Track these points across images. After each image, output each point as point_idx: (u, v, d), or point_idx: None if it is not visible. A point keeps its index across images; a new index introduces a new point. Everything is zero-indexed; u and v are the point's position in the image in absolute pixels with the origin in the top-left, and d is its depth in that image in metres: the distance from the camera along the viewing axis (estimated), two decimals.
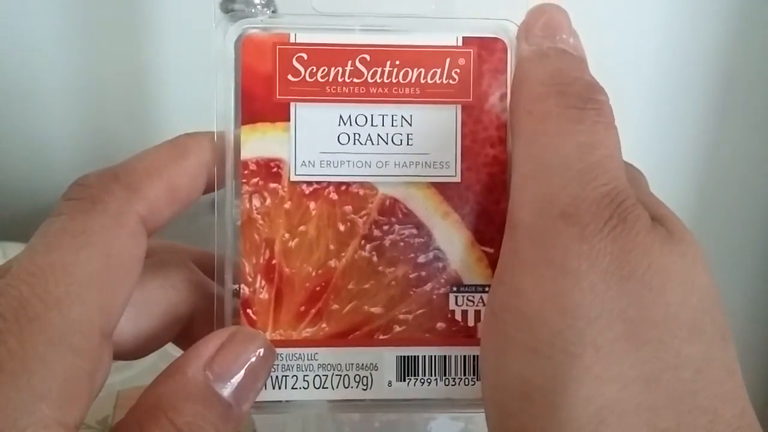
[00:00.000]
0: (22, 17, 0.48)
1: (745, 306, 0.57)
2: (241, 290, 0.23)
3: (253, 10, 0.23)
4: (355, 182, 0.23)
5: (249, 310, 0.23)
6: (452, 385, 0.23)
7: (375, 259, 0.23)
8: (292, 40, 0.23)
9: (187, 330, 0.24)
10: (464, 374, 0.23)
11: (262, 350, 0.22)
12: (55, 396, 0.18)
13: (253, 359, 0.22)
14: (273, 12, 0.23)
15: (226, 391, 0.21)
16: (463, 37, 0.23)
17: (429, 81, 0.23)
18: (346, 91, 0.23)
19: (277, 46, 0.23)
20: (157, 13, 0.49)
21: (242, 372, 0.21)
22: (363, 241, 0.23)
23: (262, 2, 0.23)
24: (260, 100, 0.23)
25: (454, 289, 0.23)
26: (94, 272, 0.20)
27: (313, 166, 0.23)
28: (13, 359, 0.18)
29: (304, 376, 0.23)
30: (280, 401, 0.23)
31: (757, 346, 0.56)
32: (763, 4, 0.50)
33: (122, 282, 0.21)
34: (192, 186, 0.23)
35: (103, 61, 0.50)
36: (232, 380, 0.21)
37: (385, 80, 0.23)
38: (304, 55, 0.23)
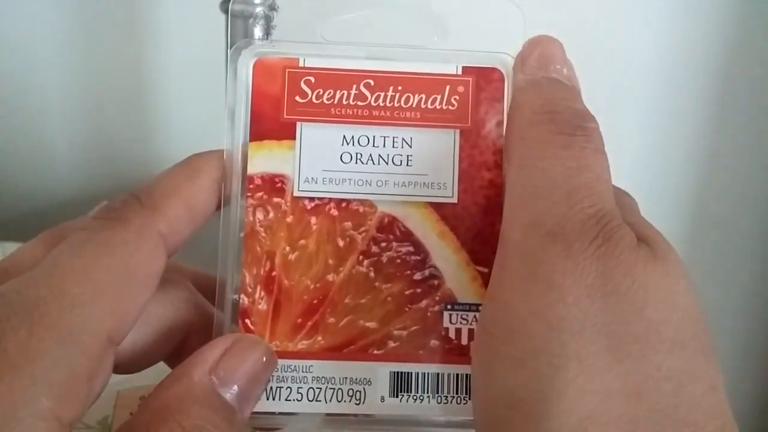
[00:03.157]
0: (23, 19, 0.49)
1: (745, 307, 0.56)
2: (241, 300, 0.24)
3: (254, 15, 0.24)
4: (355, 199, 0.24)
5: (247, 320, 0.24)
6: (444, 403, 0.24)
7: (372, 274, 0.24)
8: (301, 64, 0.24)
9: (181, 349, 0.24)
10: (457, 392, 0.24)
11: (265, 357, 0.23)
12: (55, 389, 0.19)
13: (257, 365, 0.22)
14: (272, 9, 0.24)
15: (230, 395, 0.21)
16: (463, 67, 0.24)
17: (429, 106, 0.24)
18: (350, 113, 0.24)
19: (287, 70, 0.24)
20: (159, 15, 0.50)
21: (245, 377, 0.22)
22: (361, 257, 0.24)
23: (263, 1, 0.25)
24: (268, 119, 0.24)
25: (449, 307, 0.24)
26: (112, 279, 0.20)
27: (316, 183, 0.24)
28: (20, 351, 0.18)
29: (298, 388, 0.24)
30: (274, 413, 0.23)
31: (757, 347, 0.55)
32: (763, 4, 0.51)
33: (137, 293, 0.21)
34: (207, 203, 0.24)
35: (103, 63, 0.51)
36: (236, 385, 0.22)
37: (388, 104, 0.24)
38: (312, 79, 0.24)
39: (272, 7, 0.29)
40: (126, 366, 0.23)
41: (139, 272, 0.21)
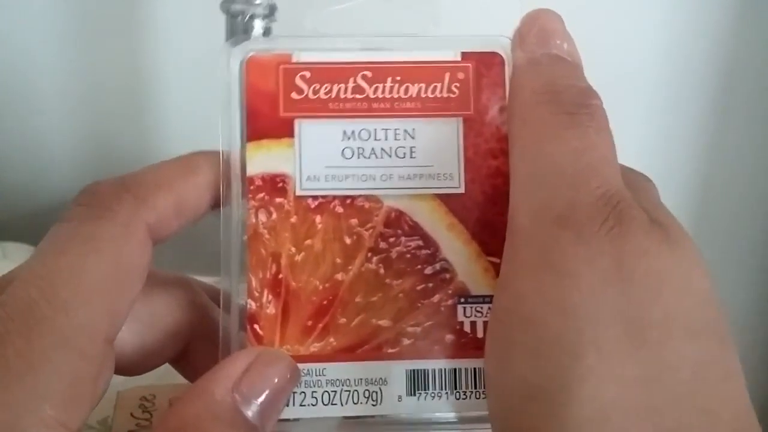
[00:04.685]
0: (23, 19, 0.49)
1: (747, 305, 0.56)
2: (248, 305, 0.23)
3: (253, 15, 0.23)
4: (360, 195, 0.23)
5: (256, 326, 0.23)
6: (463, 399, 0.23)
7: (382, 271, 0.23)
8: (294, 60, 0.24)
9: (185, 351, 0.24)
10: (474, 387, 0.23)
11: (288, 372, 0.22)
12: (59, 397, 0.18)
13: (280, 381, 0.22)
14: (272, 12, 0.24)
15: (252, 412, 0.21)
16: (462, 52, 0.24)
17: (430, 95, 0.24)
18: (349, 106, 0.24)
19: (281, 66, 0.23)
20: (157, 16, 0.49)
21: (268, 393, 0.21)
22: (369, 254, 0.23)
23: (263, 1, 0.24)
24: (265, 117, 0.23)
25: (462, 300, 0.23)
26: (102, 278, 0.20)
27: (318, 181, 0.23)
28: (20, 359, 0.18)
29: (313, 392, 0.23)
30: (289, 420, 0.23)
31: (759, 347, 0.55)
32: (763, 4, 0.51)
33: (128, 288, 0.21)
34: (199, 201, 0.23)
35: (102, 63, 0.50)
36: (258, 401, 0.21)
37: (387, 95, 0.24)
38: (307, 74, 0.23)
39: (272, 8, 0.28)
40: (133, 368, 0.23)
41: (128, 268, 0.21)
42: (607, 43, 0.49)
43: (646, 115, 0.53)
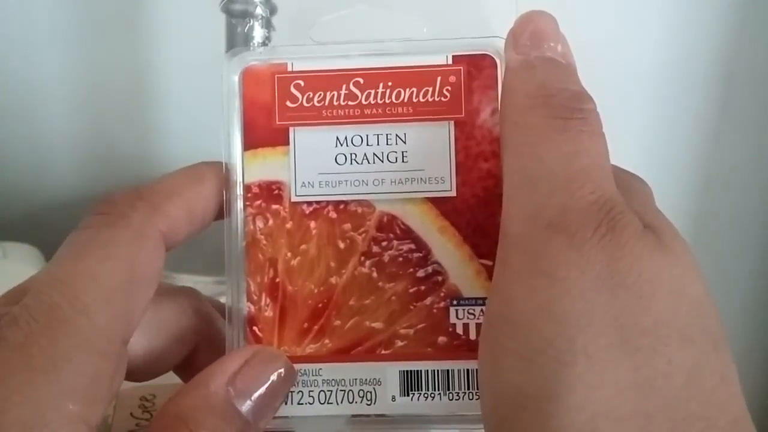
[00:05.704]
0: (23, 19, 0.50)
1: (747, 305, 0.54)
2: (247, 308, 0.24)
3: (254, 15, 0.24)
4: (353, 200, 0.24)
5: (255, 328, 0.24)
6: (456, 400, 0.23)
7: (375, 274, 0.24)
8: (289, 69, 0.24)
9: (189, 358, 0.25)
10: (467, 388, 0.23)
11: (283, 370, 0.23)
12: (81, 394, 0.19)
13: (274, 378, 0.23)
14: (272, 13, 0.24)
15: (246, 407, 0.22)
16: (453, 56, 0.24)
17: (421, 99, 0.24)
18: (342, 113, 0.24)
19: (276, 75, 0.24)
20: (159, 15, 0.50)
21: (262, 390, 0.22)
22: (362, 258, 0.24)
23: (262, 1, 0.24)
24: (261, 127, 0.24)
25: (454, 302, 0.24)
26: (118, 282, 0.21)
27: (313, 187, 0.24)
28: (44, 358, 0.19)
29: (309, 391, 0.24)
30: (286, 417, 0.24)
31: (758, 347, 0.53)
32: (763, 3, 0.49)
33: (142, 292, 0.22)
34: (206, 209, 0.24)
35: (103, 63, 0.51)
36: (252, 397, 0.22)
37: (379, 101, 0.24)
38: (301, 82, 0.24)
39: (273, 8, 0.29)
40: (140, 373, 0.24)
41: (142, 272, 0.22)
42: (608, 43, 0.48)
43: (647, 114, 0.51)
